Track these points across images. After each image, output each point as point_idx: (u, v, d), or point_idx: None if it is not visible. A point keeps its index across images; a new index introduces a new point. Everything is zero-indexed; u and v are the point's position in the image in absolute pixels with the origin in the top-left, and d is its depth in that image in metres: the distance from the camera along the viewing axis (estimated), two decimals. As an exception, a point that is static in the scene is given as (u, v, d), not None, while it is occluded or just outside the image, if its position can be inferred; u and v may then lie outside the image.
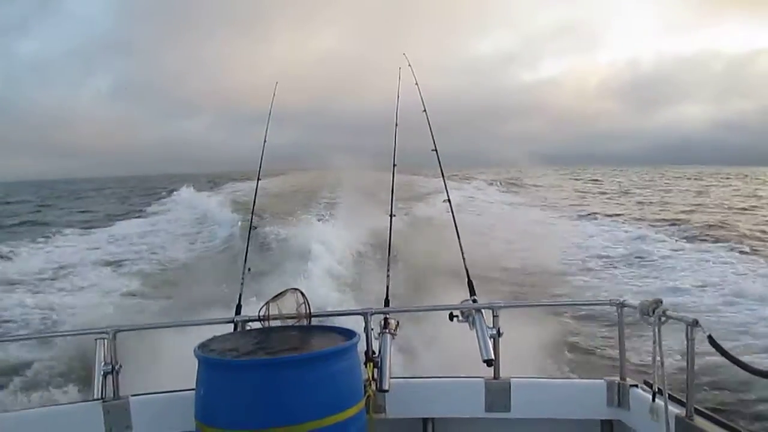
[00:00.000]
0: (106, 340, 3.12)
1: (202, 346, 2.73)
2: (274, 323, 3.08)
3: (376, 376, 3.14)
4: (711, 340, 2.60)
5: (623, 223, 21.56)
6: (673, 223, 20.74)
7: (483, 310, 3.30)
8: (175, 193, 38.11)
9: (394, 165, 4.44)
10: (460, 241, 3.87)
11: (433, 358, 6.15)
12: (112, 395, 3.11)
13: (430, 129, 4.49)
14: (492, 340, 3.20)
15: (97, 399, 3.10)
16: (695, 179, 59.17)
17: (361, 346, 3.02)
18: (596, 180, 58.37)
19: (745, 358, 2.68)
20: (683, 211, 25.43)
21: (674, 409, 2.78)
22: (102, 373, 3.09)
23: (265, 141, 4.61)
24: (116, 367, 3.10)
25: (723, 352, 2.62)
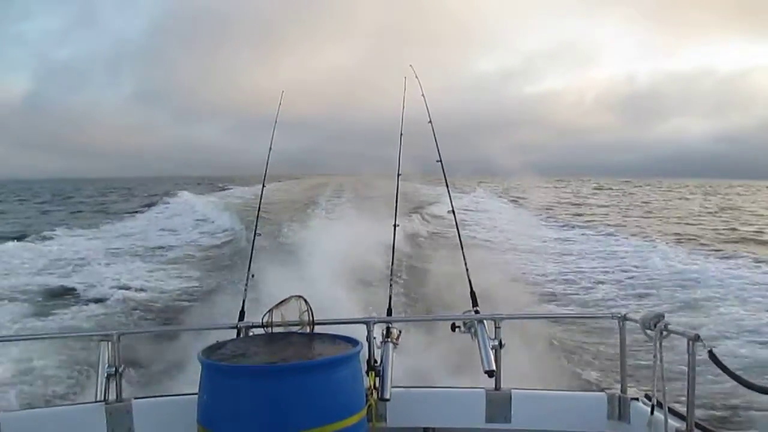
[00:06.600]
0: (110, 343, 3.13)
1: (206, 351, 2.75)
2: (277, 330, 3.10)
3: (377, 384, 3.16)
4: (711, 356, 2.60)
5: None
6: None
7: (485, 321, 3.32)
8: (173, 197, 38.48)
9: (399, 174, 4.47)
10: (463, 252, 3.88)
11: (435, 368, 6.15)
12: (114, 398, 3.12)
13: (435, 140, 4.50)
14: (494, 351, 3.22)
15: (100, 401, 3.11)
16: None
17: (363, 355, 3.04)
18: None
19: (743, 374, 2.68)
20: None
21: (674, 423, 2.78)
22: (105, 375, 3.10)
23: (270, 148, 4.65)
24: (120, 370, 3.12)
25: (723, 368, 2.62)
